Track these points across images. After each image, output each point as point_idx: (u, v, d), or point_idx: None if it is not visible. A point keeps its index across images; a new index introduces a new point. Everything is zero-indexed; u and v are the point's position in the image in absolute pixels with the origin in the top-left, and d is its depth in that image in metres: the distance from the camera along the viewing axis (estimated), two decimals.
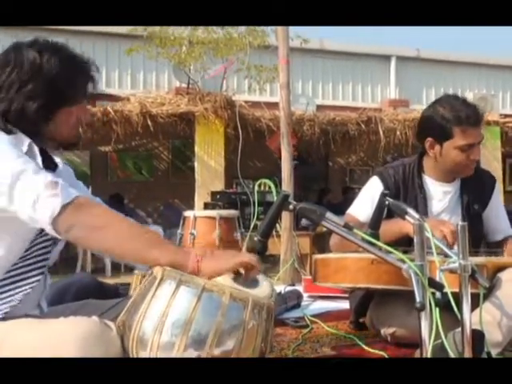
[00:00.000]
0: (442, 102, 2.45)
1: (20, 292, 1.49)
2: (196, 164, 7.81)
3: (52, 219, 1.37)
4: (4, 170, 1.40)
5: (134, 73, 9.59)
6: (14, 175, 1.38)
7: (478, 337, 1.68)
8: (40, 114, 1.54)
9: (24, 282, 1.51)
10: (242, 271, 1.43)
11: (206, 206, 6.52)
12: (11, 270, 1.50)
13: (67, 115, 1.60)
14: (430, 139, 2.46)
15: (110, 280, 4.34)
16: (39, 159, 1.54)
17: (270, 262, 5.56)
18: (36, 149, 1.54)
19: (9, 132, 1.51)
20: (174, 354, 1.25)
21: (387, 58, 11.01)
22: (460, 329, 1.61)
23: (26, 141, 1.52)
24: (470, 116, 2.37)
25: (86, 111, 1.68)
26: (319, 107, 9.56)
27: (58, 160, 1.73)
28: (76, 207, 1.38)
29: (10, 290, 1.49)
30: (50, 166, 1.65)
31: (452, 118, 2.38)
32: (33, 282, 1.52)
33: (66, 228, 1.38)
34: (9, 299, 1.48)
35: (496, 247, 2.53)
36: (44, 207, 1.37)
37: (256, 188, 4.64)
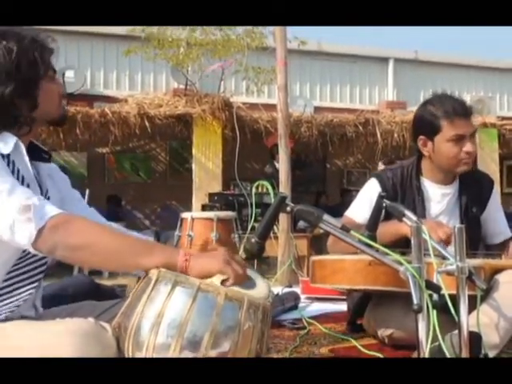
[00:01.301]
0: (431, 101, 2.50)
1: (18, 299, 1.48)
2: (193, 165, 7.80)
3: (31, 244, 1.36)
4: None
5: (131, 74, 9.57)
6: None
7: (475, 339, 1.67)
8: (18, 95, 1.50)
9: (22, 290, 1.50)
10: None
11: (204, 208, 6.50)
12: (8, 279, 1.49)
13: (46, 91, 1.56)
14: (422, 137, 2.48)
15: (107, 282, 4.34)
16: (26, 158, 1.52)
17: (267, 264, 5.55)
18: (22, 147, 1.51)
19: None
20: (170, 355, 1.24)
21: (385, 59, 11.01)
22: (457, 331, 1.61)
23: (12, 140, 1.49)
24: (456, 107, 2.41)
25: (60, 85, 1.65)
26: (317, 109, 9.57)
27: (53, 166, 1.71)
28: (52, 229, 1.36)
29: (8, 298, 1.48)
30: (42, 158, 1.64)
31: (439, 111, 2.41)
32: (31, 289, 1.51)
33: (48, 250, 1.38)
34: (8, 306, 1.47)
35: (496, 249, 2.53)
36: (20, 233, 1.36)
37: (253, 190, 4.63)
